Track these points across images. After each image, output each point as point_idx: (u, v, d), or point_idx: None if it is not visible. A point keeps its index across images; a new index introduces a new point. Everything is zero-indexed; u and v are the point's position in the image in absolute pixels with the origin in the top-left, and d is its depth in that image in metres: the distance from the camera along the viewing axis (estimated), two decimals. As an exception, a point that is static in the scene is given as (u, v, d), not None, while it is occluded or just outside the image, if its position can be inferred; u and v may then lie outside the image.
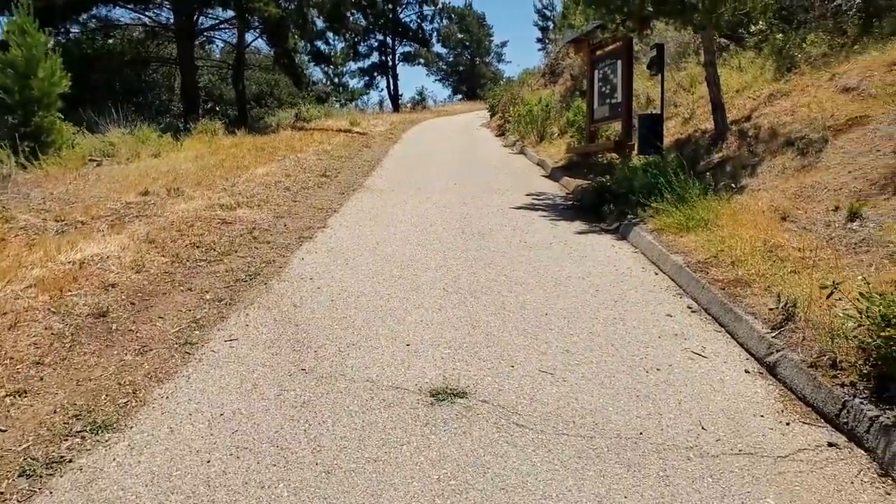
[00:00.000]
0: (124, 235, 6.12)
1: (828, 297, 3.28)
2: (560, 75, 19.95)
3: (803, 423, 3.00)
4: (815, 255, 4.68)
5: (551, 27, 30.50)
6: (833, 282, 3.25)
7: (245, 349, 3.82)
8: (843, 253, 4.62)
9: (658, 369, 3.57)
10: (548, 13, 37.63)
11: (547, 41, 29.88)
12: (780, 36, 9.52)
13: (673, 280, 5.18)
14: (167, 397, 3.24)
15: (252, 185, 9.16)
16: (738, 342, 3.95)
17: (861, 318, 3.11)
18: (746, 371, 3.57)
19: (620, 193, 7.58)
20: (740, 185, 6.99)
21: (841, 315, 3.28)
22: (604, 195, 7.85)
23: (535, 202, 8.78)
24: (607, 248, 6.31)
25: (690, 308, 4.57)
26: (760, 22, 10.17)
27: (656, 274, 5.42)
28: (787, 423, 2.99)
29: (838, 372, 3.09)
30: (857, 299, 3.20)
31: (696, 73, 11.41)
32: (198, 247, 6.02)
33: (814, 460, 2.69)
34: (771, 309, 3.98)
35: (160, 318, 4.31)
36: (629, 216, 6.99)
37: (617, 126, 11.15)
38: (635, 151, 9.85)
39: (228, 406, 3.15)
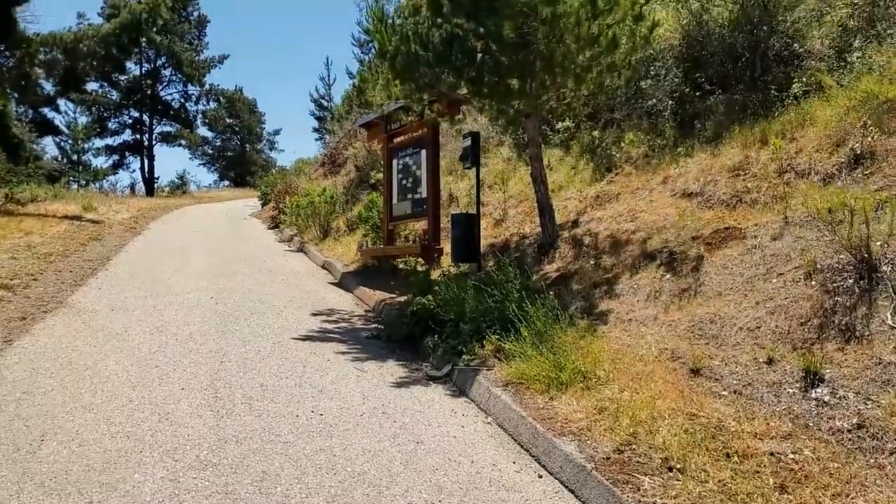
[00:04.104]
0: None
1: None
2: (342, 166, 18.16)
3: None
4: (798, 455, 2.96)
5: (329, 117, 29.04)
6: None
7: None
8: (836, 450, 2.97)
9: None
10: (325, 102, 36.32)
11: (324, 131, 28.29)
12: (595, 133, 8.63)
13: (575, 495, 3.13)
14: None
15: None
16: None
17: None
18: None
19: (447, 320, 5.55)
20: (598, 310, 5.39)
21: None
22: (424, 321, 5.75)
23: (327, 327, 6.40)
24: (447, 417, 4.13)
25: (641, 575, 2.51)
26: (566, 119, 9.33)
27: (540, 477, 3.34)
28: None
29: None
30: None
31: (501, 169, 10.24)
32: None
33: None
34: None
35: None
36: (464, 355, 4.97)
37: (418, 225, 9.39)
38: (446, 257, 8.08)
39: None
